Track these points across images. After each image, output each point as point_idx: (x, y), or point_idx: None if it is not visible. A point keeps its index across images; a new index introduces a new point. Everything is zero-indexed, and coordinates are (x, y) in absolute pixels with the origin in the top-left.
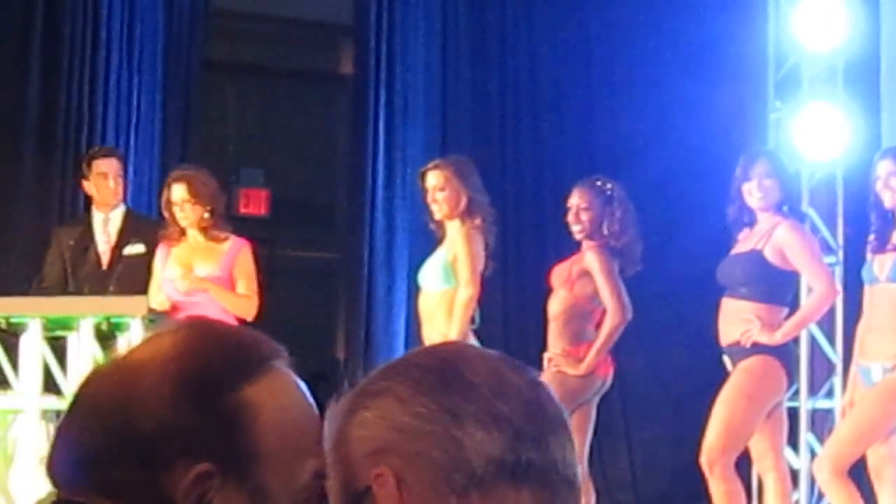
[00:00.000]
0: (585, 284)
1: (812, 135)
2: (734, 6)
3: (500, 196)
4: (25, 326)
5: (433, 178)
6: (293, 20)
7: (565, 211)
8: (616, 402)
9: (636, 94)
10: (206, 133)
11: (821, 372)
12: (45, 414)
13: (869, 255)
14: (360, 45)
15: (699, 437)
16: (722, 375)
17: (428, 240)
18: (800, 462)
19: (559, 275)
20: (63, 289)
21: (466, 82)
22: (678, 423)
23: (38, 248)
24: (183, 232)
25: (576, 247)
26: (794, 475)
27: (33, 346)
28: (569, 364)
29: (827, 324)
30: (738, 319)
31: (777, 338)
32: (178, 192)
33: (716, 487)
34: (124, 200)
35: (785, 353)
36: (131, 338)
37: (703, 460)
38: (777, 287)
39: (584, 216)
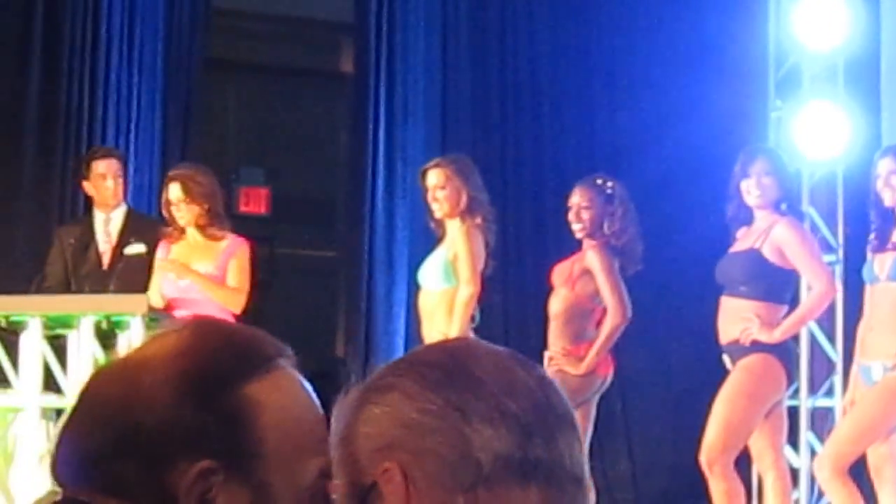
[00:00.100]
0: (586, 283)
1: (812, 134)
2: (734, 6)
3: (501, 195)
4: (25, 325)
5: (434, 177)
6: (293, 19)
7: (566, 210)
8: (616, 401)
9: (636, 93)
10: (206, 132)
11: (821, 370)
12: (45, 412)
13: (869, 254)
14: (361, 44)
15: (699, 435)
16: (722, 374)
17: (428, 238)
18: (800, 461)
19: (560, 274)
20: (65, 288)
21: (466, 82)
22: (678, 422)
23: (38, 248)
24: (182, 230)
25: (576, 246)
26: (794, 474)
27: (33, 345)
28: (569, 363)
29: (827, 322)
30: (737, 318)
31: (776, 336)
32: (174, 191)
33: (715, 486)
34: (125, 200)
35: (785, 352)
36: (131, 336)
37: (703, 459)
38: (776, 285)
39: (585, 215)
